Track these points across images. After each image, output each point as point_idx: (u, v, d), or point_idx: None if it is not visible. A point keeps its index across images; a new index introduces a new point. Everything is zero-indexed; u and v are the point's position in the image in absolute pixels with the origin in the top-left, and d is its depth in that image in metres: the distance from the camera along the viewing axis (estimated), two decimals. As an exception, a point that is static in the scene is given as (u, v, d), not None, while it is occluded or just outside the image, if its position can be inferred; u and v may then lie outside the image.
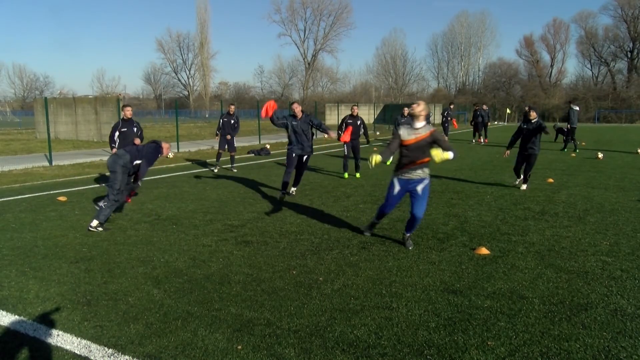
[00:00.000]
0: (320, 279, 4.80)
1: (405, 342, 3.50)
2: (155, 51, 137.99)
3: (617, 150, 18.68)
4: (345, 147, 11.87)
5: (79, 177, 12.16)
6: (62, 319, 3.94)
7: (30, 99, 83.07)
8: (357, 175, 11.96)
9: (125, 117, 9.51)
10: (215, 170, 13.11)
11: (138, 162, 6.87)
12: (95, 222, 6.64)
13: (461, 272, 4.98)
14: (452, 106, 21.93)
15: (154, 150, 7.13)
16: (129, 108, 9.66)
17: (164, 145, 7.29)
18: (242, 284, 4.67)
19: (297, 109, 8.74)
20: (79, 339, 3.59)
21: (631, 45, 63.58)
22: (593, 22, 67.21)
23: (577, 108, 18.49)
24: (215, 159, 13.79)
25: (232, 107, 13.14)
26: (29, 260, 5.43)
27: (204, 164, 14.87)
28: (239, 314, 4.00)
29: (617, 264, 5.19)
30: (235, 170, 13.35)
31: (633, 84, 59.73)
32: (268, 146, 19.68)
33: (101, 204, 6.78)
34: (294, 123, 8.74)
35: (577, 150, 18.30)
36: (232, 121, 13.02)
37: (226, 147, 13.00)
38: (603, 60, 66.92)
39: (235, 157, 13.71)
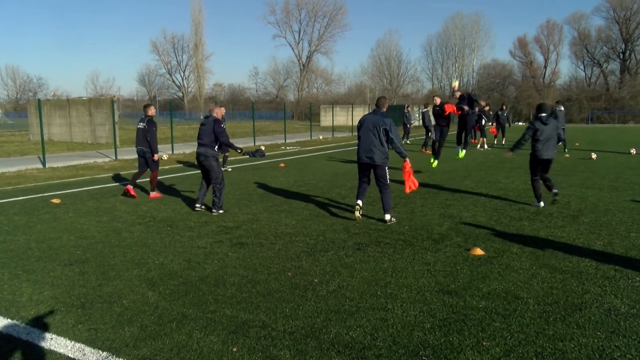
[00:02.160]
0: (316, 280, 4.80)
1: (401, 343, 3.50)
2: (149, 53, 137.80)
3: (611, 151, 18.79)
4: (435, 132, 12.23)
5: (73, 179, 12.10)
6: (56, 322, 3.92)
7: (23, 101, 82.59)
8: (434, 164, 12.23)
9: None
10: (230, 170, 13.49)
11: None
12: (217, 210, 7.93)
13: (456, 272, 4.99)
14: (504, 106, 21.73)
15: (214, 122, 7.99)
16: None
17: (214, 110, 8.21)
18: (237, 286, 4.66)
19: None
20: (73, 342, 3.57)
21: (623, 46, 64.11)
22: (586, 23, 67.74)
23: (562, 108, 18.49)
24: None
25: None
26: (22, 263, 5.39)
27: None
28: (234, 316, 3.99)
29: (611, 264, 5.21)
30: (230, 170, 13.48)
31: (625, 84, 60.17)
32: (263, 147, 19.65)
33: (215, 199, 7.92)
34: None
35: (567, 150, 18.27)
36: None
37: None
38: (596, 62, 67.38)
39: (230, 158, 13.74)
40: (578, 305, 4.16)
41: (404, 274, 4.95)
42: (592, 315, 3.95)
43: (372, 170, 7.22)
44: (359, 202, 7.35)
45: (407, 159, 7.28)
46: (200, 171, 8.26)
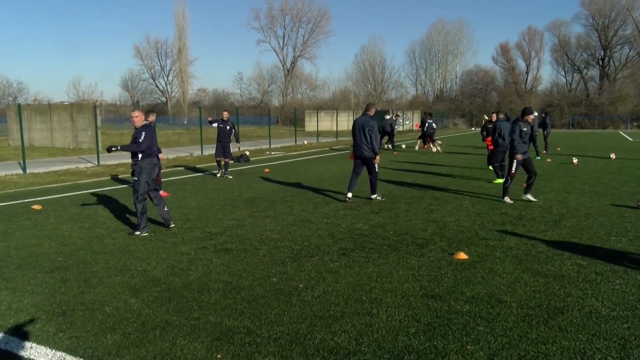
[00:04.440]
0: (300, 286, 4.79)
1: (386, 348, 3.50)
2: (133, 57, 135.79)
3: (592, 156, 19.11)
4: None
5: (54, 185, 11.92)
6: (36, 330, 3.84)
7: (2, 105, 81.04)
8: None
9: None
10: (219, 175, 13.34)
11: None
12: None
13: (440, 277, 5.02)
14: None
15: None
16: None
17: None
18: (222, 292, 4.62)
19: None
20: (54, 350, 3.51)
21: (602, 53, 65.30)
22: (566, 30, 68.82)
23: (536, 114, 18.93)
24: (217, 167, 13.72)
25: (226, 113, 13.19)
26: (1, 271, 5.29)
27: (183, 171, 14.73)
28: (219, 322, 3.96)
29: (592, 267, 5.29)
30: (231, 177, 13.22)
31: (605, 91, 61.28)
32: (247, 153, 19.59)
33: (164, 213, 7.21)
34: None
35: (539, 157, 18.40)
36: (228, 127, 12.99)
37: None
38: (576, 68, 68.51)
39: (212, 164, 13.56)
40: (560, 308, 4.21)
41: (388, 279, 4.97)
42: (574, 318, 4.00)
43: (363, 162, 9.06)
44: (349, 195, 9.21)
45: (377, 156, 9.07)
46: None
